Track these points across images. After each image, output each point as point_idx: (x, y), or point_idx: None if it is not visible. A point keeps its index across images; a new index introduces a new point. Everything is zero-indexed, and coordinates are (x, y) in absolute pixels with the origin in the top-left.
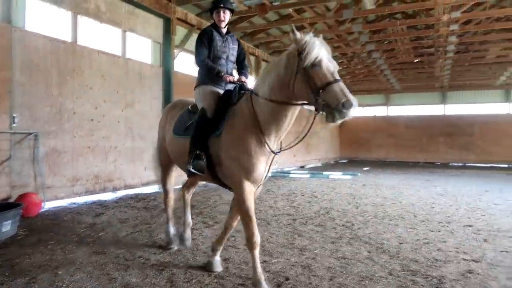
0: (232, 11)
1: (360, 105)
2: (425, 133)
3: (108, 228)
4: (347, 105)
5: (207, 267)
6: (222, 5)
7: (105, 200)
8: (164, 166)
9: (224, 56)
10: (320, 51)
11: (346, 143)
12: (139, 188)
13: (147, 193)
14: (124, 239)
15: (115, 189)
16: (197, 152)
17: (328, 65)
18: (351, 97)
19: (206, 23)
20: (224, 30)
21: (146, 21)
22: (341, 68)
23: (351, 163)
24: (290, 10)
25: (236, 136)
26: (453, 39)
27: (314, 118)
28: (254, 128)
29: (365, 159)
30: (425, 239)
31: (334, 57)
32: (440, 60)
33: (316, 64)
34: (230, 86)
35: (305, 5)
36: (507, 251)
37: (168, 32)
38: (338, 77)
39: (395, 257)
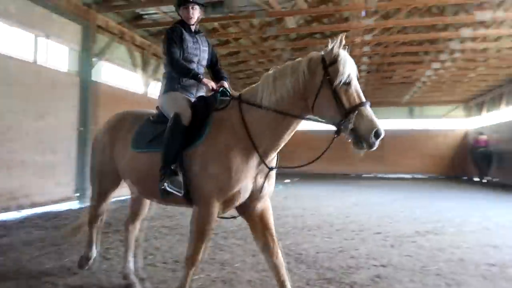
0: (202, 6)
1: None
2: (342, 147)
3: (9, 252)
4: (378, 134)
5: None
6: None
7: (7, 220)
8: (104, 190)
9: (195, 60)
10: (351, 67)
11: None
12: (49, 206)
13: (58, 211)
14: (29, 264)
15: (20, 208)
16: (172, 168)
17: (356, 84)
18: (380, 125)
19: (129, 33)
20: (193, 29)
21: (63, 27)
22: None
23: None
24: (216, 24)
25: (218, 149)
26: (365, 60)
27: (332, 141)
28: (242, 140)
29: (287, 172)
30: (340, 247)
31: (259, 73)
32: None
33: (347, 82)
34: (201, 94)
35: (231, 20)
36: (410, 256)
37: (87, 39)
38: (365, 99)
39: (312, 267)
